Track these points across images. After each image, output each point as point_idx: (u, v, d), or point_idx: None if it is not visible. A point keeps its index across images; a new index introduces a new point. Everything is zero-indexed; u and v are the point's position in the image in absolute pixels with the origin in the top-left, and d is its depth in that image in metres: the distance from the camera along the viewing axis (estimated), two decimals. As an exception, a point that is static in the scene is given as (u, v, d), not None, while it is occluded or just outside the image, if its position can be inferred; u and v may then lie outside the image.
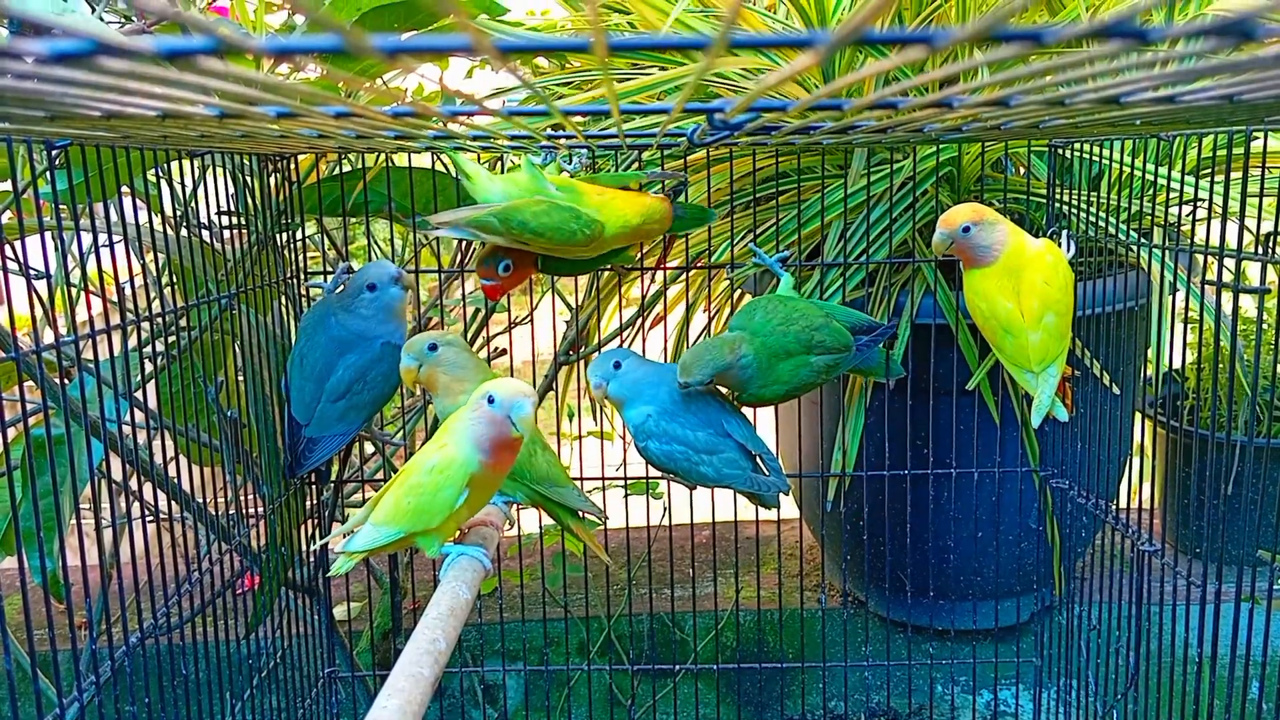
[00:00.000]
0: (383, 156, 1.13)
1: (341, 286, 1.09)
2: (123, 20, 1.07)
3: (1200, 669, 0.91)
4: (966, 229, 0.95)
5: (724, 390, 1.03)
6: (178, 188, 1.03)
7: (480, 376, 0.91)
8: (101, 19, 0.93)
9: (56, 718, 0.71)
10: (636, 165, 1.18)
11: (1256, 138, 1.10)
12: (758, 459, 1.00)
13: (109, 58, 0.31)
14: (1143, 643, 1.05)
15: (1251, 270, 1.08)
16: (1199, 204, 1.14)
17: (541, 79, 1.28)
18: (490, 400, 0.76)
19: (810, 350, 0.99)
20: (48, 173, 0.72)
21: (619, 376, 0.98)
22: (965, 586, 1.30)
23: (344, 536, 0.86)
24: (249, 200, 1.04)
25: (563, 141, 0.92)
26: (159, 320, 0.91)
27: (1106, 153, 1.10)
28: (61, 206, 0.73)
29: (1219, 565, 0.89)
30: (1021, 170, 1.26)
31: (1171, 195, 1.12)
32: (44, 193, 0.77)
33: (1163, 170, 1.12)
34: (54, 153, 0.70)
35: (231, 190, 1.03)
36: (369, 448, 1.41)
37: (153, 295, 1.03)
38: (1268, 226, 1.00)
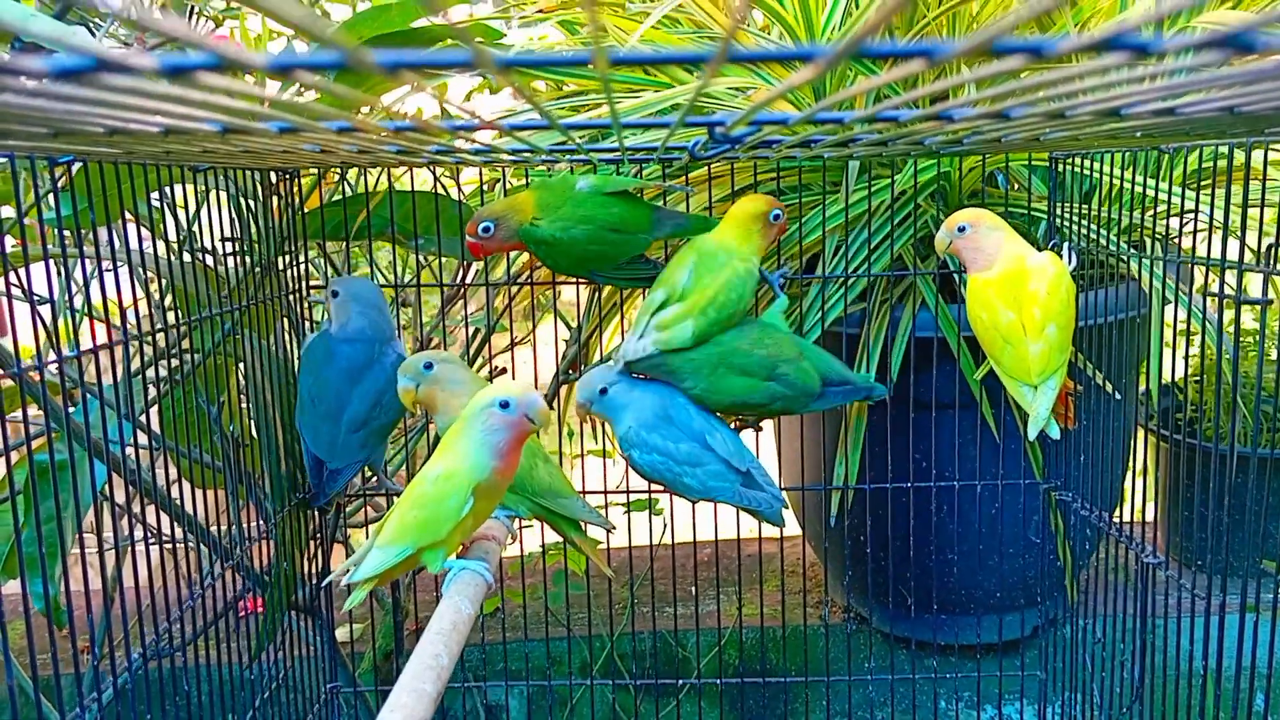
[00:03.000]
0: (385, 182, 1.13)
1: (327, 315, 1.09)
2: (123, 45, 1.07)
3: (1205, 681, 0.91)
4: (962, 228, 0.96)
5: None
6: (180, 212, 1.03)
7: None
8: (101, 43, 0.93)
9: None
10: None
11: (1256, 149, 1.10)
12: (750, 474, 0.99)
13: (111, 74, 0.31)
14: (1147, 656, 1.04)
15: (1250, 281, 1.08)
16: (1195, 216, 1.15)
17: (540, 102, 1.28)
18: (505, 405, 0.78)
19: (771, 378, 0.99)
20: (50, 195, 0.72)
21: (603, 401, 0.99)
22: (968, 601, 1.29)
23: (351, 569, 0.85)
24: (251, 224, 1.04)
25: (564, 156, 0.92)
26: (161, 340, 0.91)
27: (1099, 166, 1.10)
28: (65, 233, 0.73)
29: (1223, 577, 0.89)
30: (1017, 185, 1.26)
31: (1166, 208, 1.12)
32: (48, 218, 0.77)
33: (1154, 182, 1.12)
34: (57, 170, 0.71)
35: (233, 214, 1.03)
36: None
37: (156, 322, 1.03)
38: (1259, 239, 1.01)
